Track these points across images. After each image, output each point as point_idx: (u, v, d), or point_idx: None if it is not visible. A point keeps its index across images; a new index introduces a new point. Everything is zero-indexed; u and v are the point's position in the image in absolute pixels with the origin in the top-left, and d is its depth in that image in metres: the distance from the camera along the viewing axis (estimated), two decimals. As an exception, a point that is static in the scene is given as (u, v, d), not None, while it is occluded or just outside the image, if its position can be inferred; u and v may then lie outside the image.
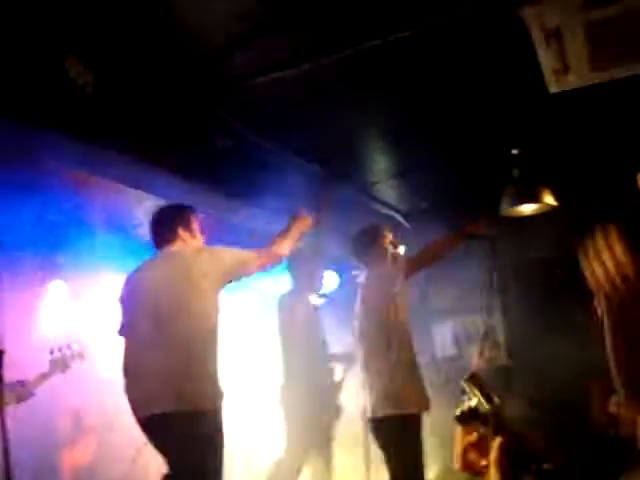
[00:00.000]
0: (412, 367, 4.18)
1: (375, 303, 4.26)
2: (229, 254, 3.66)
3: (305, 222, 4.05)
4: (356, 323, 4.39)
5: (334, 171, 5.20)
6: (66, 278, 5.79)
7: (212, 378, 3.37)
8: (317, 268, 5.37)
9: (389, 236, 4.56)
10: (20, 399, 4.19)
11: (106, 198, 4.76)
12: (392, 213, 6.53)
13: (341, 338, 5.38)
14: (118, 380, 3.55)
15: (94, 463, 5.64)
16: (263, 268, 3.82)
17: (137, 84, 3.80)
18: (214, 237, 4.11)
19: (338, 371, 5.41)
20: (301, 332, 5.07)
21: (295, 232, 3.97)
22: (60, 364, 4.55)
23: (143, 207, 4.75)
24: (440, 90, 4.31)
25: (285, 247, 3.88)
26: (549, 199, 5.23)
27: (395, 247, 4.55)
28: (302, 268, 5.32)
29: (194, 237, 3.80)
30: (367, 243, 4.50)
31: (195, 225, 3.83)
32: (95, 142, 3.76)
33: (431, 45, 3.68)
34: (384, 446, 4.13)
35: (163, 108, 4.03)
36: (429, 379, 4.46)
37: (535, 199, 5.29)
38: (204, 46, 3.58)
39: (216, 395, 3.36)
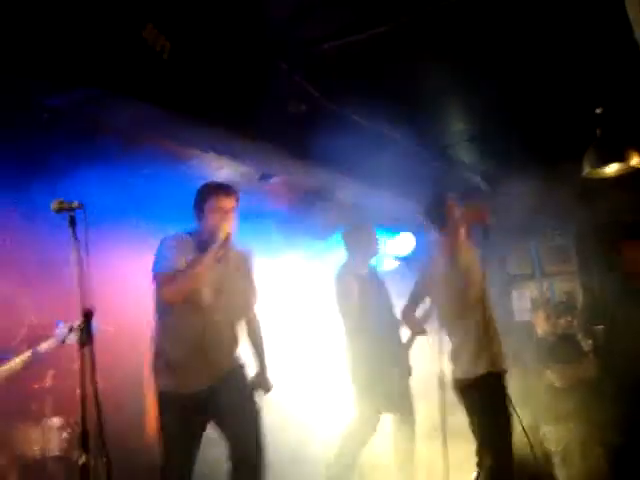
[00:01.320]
0: (494, 327, 4.18)
1: (454, 267, 4.21)
2: None
3: None
4: (434, 287, 4.36)
5: (411, 134, 5.15)
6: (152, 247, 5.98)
7: None
8: (370, 236, 5.23)
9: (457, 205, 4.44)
10: None
11: (187, 167, 4.88)
12: (471, 175, 6.43)
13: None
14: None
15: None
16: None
17: (212, 51, 3.85)
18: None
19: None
20: (359, 303, 5.00)
21: None
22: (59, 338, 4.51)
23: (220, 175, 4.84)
24: (521, 47, 4.20)
25: None
26: (635, 160, 5.03)
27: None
28: (355, 238, 5.20)
29: None
30: (440, 209, 4.42)
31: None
32: (172, 109, 3.85)
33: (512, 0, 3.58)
34: (476, 408, 4.09)
35: (238, 74, 4.06)
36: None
37: (619, 160, 5.10)
38: (277, 12, 3.59)
39: None
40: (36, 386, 4.82)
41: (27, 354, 4.35)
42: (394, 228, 6.54)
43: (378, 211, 6.11)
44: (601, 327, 5.53)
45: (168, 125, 4.12)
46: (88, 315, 2.75)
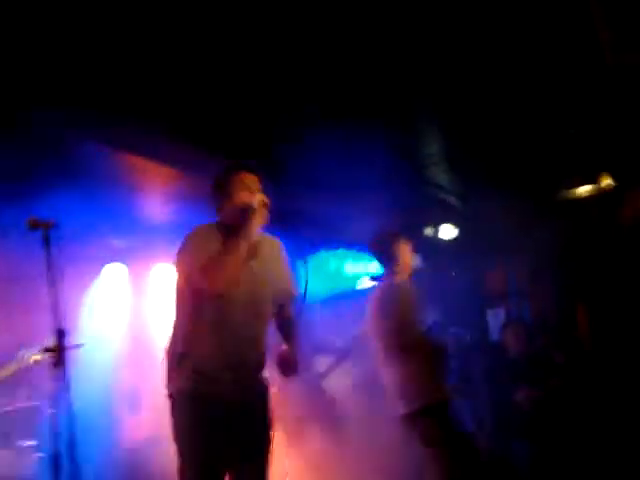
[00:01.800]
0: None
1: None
2: None
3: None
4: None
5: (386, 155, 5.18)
6: (126, 262, 6.01)
7: None
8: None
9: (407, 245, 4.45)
10: None
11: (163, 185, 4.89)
12: (445, 195, 6.49)
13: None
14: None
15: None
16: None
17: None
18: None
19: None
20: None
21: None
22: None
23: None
24: (493, 70, 4.25)
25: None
26: (606, 182, 5.13)
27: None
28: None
29: None
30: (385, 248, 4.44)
31: None
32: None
33: (485, 18, 3.64)
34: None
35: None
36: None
37: (591, 182, 5.19)
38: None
39: None
40: (8, 408, 4.74)
41: None
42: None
43: (355, 231, 6.14)
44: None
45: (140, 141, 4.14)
46: (61, 335, 2.72)
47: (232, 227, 3.04)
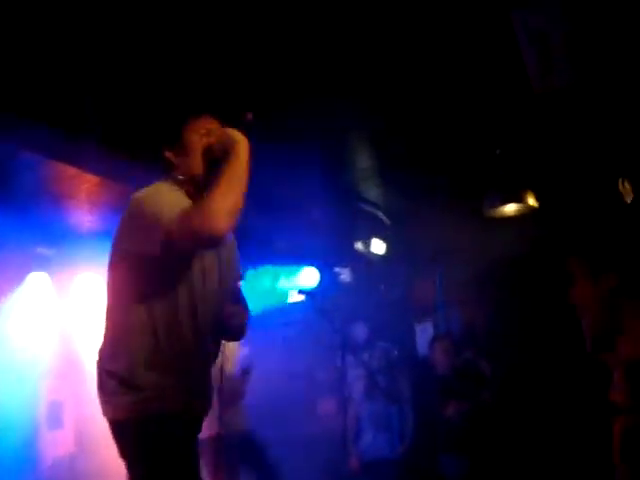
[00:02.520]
0: None
1: None
2: None
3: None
4: None
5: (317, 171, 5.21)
6: (50, 271, 5.87)
7: None
8: None
9: None
10: None
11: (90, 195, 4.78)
12: (375, 210, 6.55)
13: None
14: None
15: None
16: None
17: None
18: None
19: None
20: None
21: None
22: None
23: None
24: (423, 89, 4.32)
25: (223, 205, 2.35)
26: (531, 200, 5.27)
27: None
28: None
29: None
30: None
31: None
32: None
33: (416, 42, 3.70)
34: None
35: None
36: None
37: (517, 200, 5.32)
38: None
39: None
40: None
41: None
42: (300, 263, 6.64)
43: (285, 246, 6.15)
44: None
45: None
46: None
47: (196, 182, 2.61)
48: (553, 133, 5.03)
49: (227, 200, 2.32)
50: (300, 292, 5.41)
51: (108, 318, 2.56)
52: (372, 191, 6.27)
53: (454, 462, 5.42)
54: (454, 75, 4.12)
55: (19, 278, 5.82)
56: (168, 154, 2.68)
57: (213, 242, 2.40)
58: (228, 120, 2.66)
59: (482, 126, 4.92)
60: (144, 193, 2.53)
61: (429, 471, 5.63)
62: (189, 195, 2.59)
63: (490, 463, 5.24)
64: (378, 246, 6.55)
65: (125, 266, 2.50)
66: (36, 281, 5.91)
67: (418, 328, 7.38)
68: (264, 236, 5.74)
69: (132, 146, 4.23)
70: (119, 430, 2.44)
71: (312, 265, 6.64)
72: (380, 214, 6.51)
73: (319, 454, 6.06)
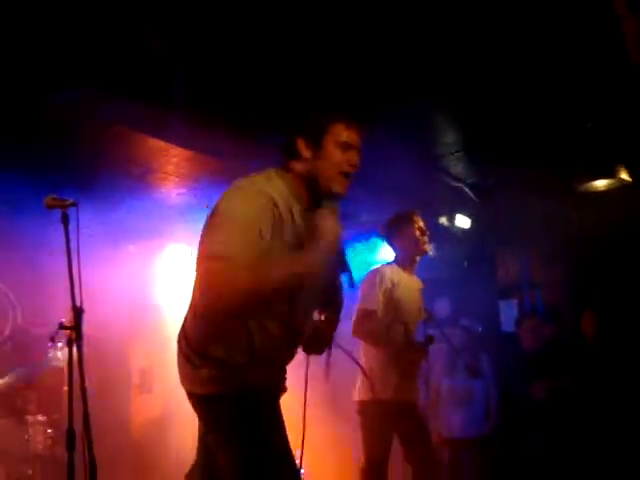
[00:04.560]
0: None
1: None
2: None
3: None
4: None
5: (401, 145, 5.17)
6: (137, 243, 6.07)
7: None
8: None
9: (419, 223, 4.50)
10: None
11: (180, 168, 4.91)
12: (460, 185, 6.47)
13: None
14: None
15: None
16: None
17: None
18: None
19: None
20: None
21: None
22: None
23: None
24: (513, 60, 4.22)
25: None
26: (623, 174, 5.10)
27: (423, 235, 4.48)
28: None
29: None
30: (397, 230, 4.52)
31: None
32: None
33: (507, 12, 3.62)
34: None
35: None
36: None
37: (609, 174, 5.16)
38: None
39: None
40: (21, 383, 4.80)
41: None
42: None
43: (369, 220, 6.18)
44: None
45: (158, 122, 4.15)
46: (78, 313, 2.75)
47: (313, 186, 2.54)
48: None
49: (274, 285, 2.23)
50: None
51: (195, 288, 2.53)
52: (458, 166, 6.20)
53: (539, 441, 5.35)
54: (546, 45, 4.00)
55: (114, 250, 6.05)
56: (300, 144, 2.54)
57: (227, 312, 2.29)
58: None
59: (573, 98, 4.77)
60: (240, 191, 2.41)
61: (512, 449, 5.58)
62: (293, 191, 2.51)
63: (575, 443, 5.15)
64: (463, 221, 6.47)
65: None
66: (129, 252, 6.15)
67: (502, 305, 7.29)
68: (350, 210, 5.78)
69: (227, 121, 4.30)
70: (209, 405, 2.52)
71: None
72: (466, 189, 6.43)
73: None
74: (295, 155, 2.54)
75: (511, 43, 4.00)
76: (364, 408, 4.29)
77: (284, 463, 2.49)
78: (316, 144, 2.52)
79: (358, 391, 4.33)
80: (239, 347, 2.48)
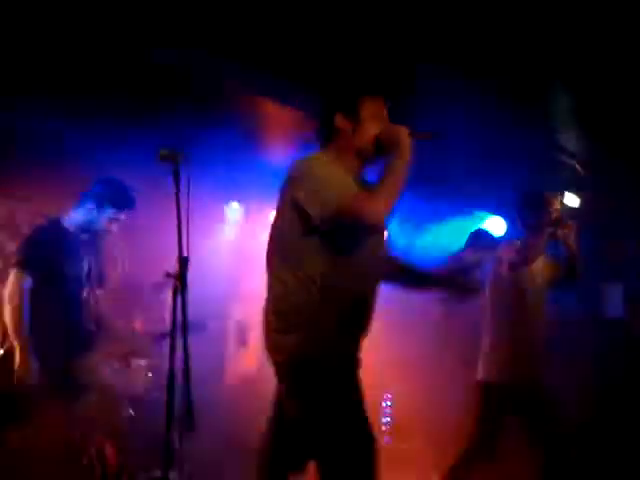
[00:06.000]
0: None
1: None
2: None
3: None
4: None
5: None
6: (242, 200, 6.18)
7: None
8: None
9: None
10: None
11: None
12: (572, 162, 6.24)
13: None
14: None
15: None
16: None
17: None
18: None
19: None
20: None
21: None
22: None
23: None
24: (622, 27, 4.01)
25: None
26: None
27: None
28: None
29: None
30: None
31: None
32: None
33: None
34: None
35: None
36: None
37: None
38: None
39: None
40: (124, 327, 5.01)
41: None
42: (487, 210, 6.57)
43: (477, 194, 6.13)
44: None
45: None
46: (183, 262, 2.82)
47: (364, 157, 2.81)
48: None
49: (390, 199, 2.56)
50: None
51: (273, 257, 2.85)
52: (569, 141, 5.97)
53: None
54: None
55: (218, 209, 6.20)
56: (340, 120, 2.77)
57: (372, 230, 2.66)
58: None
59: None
60: (313, 162, 2.72)
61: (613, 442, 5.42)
62: (347, 169, 2.75)
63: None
64: (571, 199, 6.24)
65: (295, 215, 2.68)
66: (235, 210, 6.29)
67: (607, 288, 7.00)
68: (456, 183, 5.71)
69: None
70: (291, 371, 2.68)
71: (499, 214, 6.55)
72: (577, 165, 6.19)
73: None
74: (337, 132, 2.78)
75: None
76: None
77: (362, 431, 2.64)
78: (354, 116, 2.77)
79: None
80: (323, 317, 2.64)
